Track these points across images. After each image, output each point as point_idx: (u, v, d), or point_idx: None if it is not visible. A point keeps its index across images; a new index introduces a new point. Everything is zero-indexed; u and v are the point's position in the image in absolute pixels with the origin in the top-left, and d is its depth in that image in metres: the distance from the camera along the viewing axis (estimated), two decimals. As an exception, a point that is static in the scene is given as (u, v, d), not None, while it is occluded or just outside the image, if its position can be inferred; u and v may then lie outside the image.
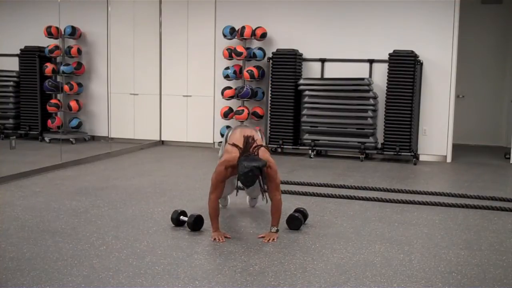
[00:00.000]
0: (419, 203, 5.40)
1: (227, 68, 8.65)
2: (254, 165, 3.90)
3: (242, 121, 8.34)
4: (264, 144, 4.40)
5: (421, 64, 8.04)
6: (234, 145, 4.18)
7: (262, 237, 4.19)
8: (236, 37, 8.59)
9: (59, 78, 9.37)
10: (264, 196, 4.15)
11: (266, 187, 4.11)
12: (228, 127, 8.33)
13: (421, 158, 8.19)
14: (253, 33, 8.43)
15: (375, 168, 7.53)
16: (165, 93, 9.32)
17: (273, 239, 4.13)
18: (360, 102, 7.97)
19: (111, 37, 8.98)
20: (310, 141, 8.24)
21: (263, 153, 4.17)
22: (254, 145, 4.11)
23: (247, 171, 3.88)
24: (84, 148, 8.71)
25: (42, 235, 4.16)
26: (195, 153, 8.52)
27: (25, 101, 9.39)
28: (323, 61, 8.48)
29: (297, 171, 7.11)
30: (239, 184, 4.20)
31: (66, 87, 9.16)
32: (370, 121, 7.95)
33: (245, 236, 4.28)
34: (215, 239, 4.11)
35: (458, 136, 9.10)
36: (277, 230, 4.22)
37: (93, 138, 9.62)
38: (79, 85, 9.37)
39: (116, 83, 9.12)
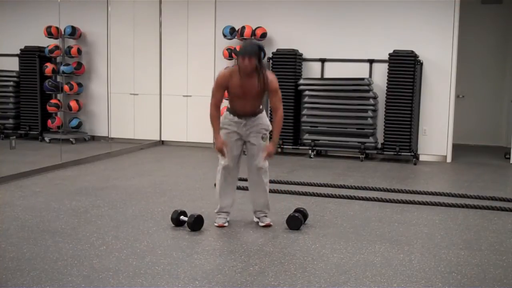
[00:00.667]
0: (419, 203, 5.40)
1: (227, 68, 8.64)
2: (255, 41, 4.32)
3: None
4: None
5: (421, 64, 8.04)
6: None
7: (268, 155, 4.39)
8: (236, 37, 8.59)
9: (59, 78, 9.37)
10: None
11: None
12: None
13: (421, 158, 8.19)
14: (253, 33, 8.43)
15: (375, 168, 7.53)
16: (165, 93, 9.32)
17: (271, 153, 4.39)
18: (360, 102, 7.97)
19: (111, 37, 8.98)
20: (310, 141, 8.24)
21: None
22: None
23: (249, 42, 4.32)
24: (84, 148, 8.71)
25: (42, 235, 4.16)
26: (195, 153, 8.52)
27: (25, 101, 9.39)
28: (323, 61, 8.48)
29: (297, 171, 7.11)
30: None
31: (66, 87, 9.16)
32: (370, 121, 7.95)
33: (245, 236, 4.28)
34: (219, 148, 4.36)
35: (458, 136, 9.10)
36: (277, 143, 4.48)
37: (93, 138, 9.62)
38: (79, 85, 9.37)
39: (116, 83, 9.12)
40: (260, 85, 4.29)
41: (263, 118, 4.51)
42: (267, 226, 4.49)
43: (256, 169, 4.49)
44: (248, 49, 4.25)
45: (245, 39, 4.45)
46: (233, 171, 4.54)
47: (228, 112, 4.51)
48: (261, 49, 4.31)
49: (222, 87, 4.38)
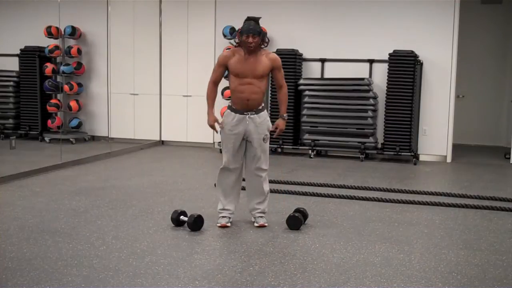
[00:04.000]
0: (419, 203, 5.40)
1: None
2: (256, 18, 4.41)
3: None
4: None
5: (421, 64, 8.04)
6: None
7: (274, 131, 4.55)
8: (236, 37, 8.58)
9: (59, 78, 9.37)
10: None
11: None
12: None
13: (421, 158, 8.19)
14: (253, 33, 8.42)
15: (375, 168, 7.53)
16: (165, 93, 9.32)
17: (282, 129, 4.56)
18: (360, 102, 7.97)
19: (111, 37, 8.98)
20: (310, 141, 8.24)
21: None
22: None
23: (252, 21, 4.35)
24: (84, 148, 8.71)
25: (42, 235, 4.16)
26: (195, 153, 8.52)
27: (25, 101, 9.39)
28: (323, 61, 8.48)
29: (297, 171, 7.11)
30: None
31: (66, 87, 9.16)
32: (370, 121, 7.95)
33: (245, 236, 4.28)
34: (211, 126, 4.52)
35: (458, 136, 9.10)
36: (285, 117, 4.58)
37: (93, 138, 9.61)
38: (79, 85, 9.37)
39: (116, 83, 9.12)
40: (264, 63, 4.37)
41: (265, 117, 4.49)
42: (261, 226, 4.48)
43: (255, 169, 4.48)
44: (252, 27, 4.32)
45: (248, 18, 4.46)
46: (235, 172, 4.53)
47: (229, 111, 4.50)
48: (261, 30, 4.40)
49: (223, 65, 4.46)
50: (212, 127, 4.54)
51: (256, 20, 4.41)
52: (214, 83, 4.53)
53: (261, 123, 4.44)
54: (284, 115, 4.60)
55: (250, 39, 4.30)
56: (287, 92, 4.65)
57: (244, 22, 4.40)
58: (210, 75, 4.57)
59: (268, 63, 4.40)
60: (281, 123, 4.57)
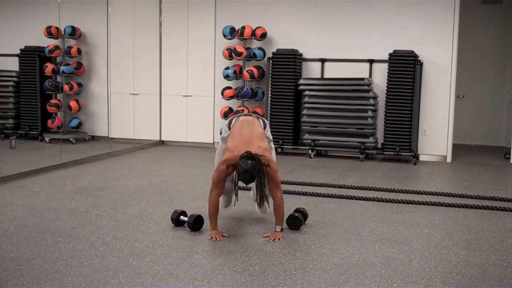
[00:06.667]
0: (419, 203, 5.40)
1: (227, 68, 8.65)
2: (253, 164, 3.98)
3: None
4: (267, 137, 4.46)
5: (421, 64, 8.04)
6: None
7: (267, 236, 4.19)
8: (236, 37, 8.59)
9: (59, 78, 9.36)
10: (263, 201, 4.27)
11: (265, 196, 4.23)
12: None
13: (421, 158, 8.19)
14: (253, 33, 8.43)
15: (375, 168, 7.53)
16: (165, 93, 9.33)
17: (278, 239, 4.14)
18: (360, 102, 7.97)
19: (111, 37, 8.98)
20: (310, 141, 8.24)
21: (264, 152, 4.20)
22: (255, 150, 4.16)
23: (245, 170, 3.97)
24: (84, 148, 8.71)
25: (42, 235, 4.16)
26: (195, 153, 8.52)
27: (25, 101, 9.39)
28: (323, 61, 8.48)
29: (297, 171, 7.11)
30: (240, 184, 4.22)
31: (66, 87, 9.16)
32: (370, 121, 7.95)
33: (245, 236, 4.28)
34: (212, 237, 4.13)
35: (458, 136, 9.10)
36: (282, 229, 4.23)
37: (93, 138, 9.61)
38: (79, 85, 9.37)
39: (116, 83, 9.12)
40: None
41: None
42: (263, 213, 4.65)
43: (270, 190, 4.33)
44: (248, 178, 4.03)
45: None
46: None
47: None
48: (260, 168, 4.02)
49: (223, 180, 4.23)
50: (216, 237, 4.16)
51: (251, 169, 4.00)
52: (217, 196, 4.22)
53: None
54: (280, 227, 4.22)
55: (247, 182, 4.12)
56: (283, 203, 4.22)
57: (240, 171, 4.00)
58: (211, 189, 4.20)
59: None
60: (276, 234, 4.17)
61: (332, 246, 4.06)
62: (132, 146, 8.78)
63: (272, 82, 8.45)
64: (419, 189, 5.98)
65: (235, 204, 4.59)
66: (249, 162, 4.00)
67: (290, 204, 5.07)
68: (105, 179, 6.36)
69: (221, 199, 4.56)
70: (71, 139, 9.07)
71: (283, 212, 4.24)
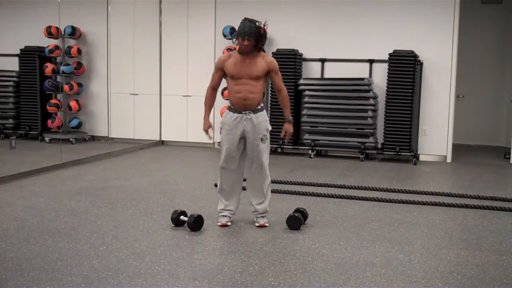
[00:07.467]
0: (419, 203, 5.40)
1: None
2: (254, 22, 4.38)
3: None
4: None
5: (421, 64, 8.04)
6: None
7: (283, 138, 4.66)
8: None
9: (59, 78, 9.37)
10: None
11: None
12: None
13: (421, 158, 8.19)
14: (253, 33, 8.42)
15: (375, 168, 7.53)
16: (165, 93, 9.33)
17: (290, 132, 4.65)
18: (360, 102, 7.97)
19: (111, 37, 8.98)
20: (310, 141, 8.24)
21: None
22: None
23: (246, 18, 4.42)
24: (84, 148, 8.71)
25: (42, 235, 4.16)
26: (195, 153, 8.52)
27: (25, 101, 9.39)
28: (323, 61, 8.48)
29: (297, 171, 7.11)
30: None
31: (66, 87, 9.16)
32: (370, 121, 7.95)
33: (245, 236, 4.28)
34: (205, 131, 4.57)
35: (458, 136, 9.10)
36: (291, 120, 4.63)
37: (93, 138, 9.61)
38: (79, 85, 9.37)
39: (116, 83, 9.12)
40: (260, 64, 4.39)
41: (264, 117, 4.49)
42: (262, 226, 4.48)
43: (254, 170, 4.48)
44: (247, 29, 4.33)
45: (244, 19, 4.47)
46: (234, 172, 4.54)
47: (228, 111, 4.51)
48: (258, 28, 4.39)
49: (220, 69, 4.50)
50: (206, 132, 4.59)
51: (252, 21, 4.40)
52: (213, 88, 4.58)
53: (259, 123, 4.44)
54: (289, 118, 4.63)
55: (246, 42, 4.33)
56: (287, 94, 4.65)
57: (240, 24, 4.40)
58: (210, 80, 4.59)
59: (264, 65, 4.42)
60: (288, 127, 4.63)
61: (332, 246, 4.06)
62: (132, 146, 8.78)
63: (273, 85, 8.43)
64: (419, 189, 5.98)
65: (237, 207, 4.59)
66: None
67: (290, 204, 5.08)
68: (105, 179, 6.36)
69: (224, 181, 4.55)
70: (71, 139, 9.07)
71: (289, 104, 4.62)
